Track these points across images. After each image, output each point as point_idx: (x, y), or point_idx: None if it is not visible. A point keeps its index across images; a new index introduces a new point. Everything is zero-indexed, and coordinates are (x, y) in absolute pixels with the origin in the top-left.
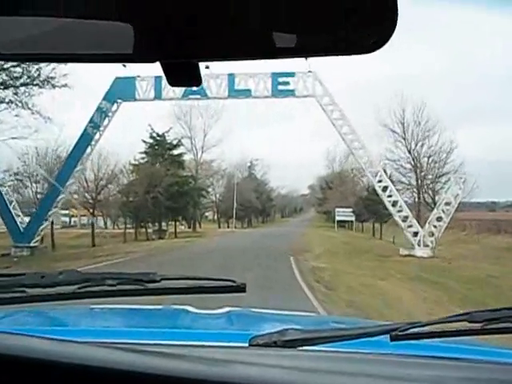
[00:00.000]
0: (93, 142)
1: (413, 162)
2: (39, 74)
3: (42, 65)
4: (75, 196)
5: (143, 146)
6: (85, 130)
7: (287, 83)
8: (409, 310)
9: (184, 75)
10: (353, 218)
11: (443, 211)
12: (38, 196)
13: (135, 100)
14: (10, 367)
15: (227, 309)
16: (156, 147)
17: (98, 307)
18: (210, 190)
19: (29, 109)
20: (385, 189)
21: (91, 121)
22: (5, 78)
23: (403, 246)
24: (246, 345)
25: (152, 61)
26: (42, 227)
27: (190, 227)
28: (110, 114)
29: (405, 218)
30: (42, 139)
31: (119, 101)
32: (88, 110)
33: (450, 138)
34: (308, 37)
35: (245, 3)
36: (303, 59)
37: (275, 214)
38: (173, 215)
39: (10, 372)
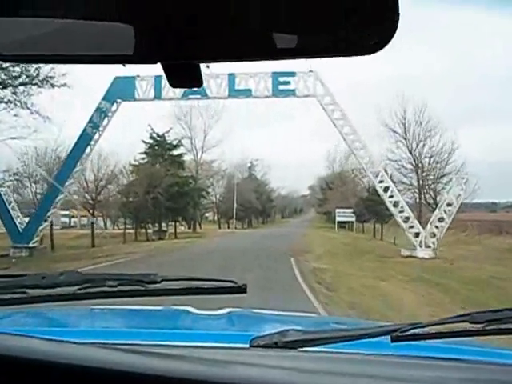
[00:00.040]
0: (92, 142)
1: (414, 163)
2: (38, 74)
3: (41, 64)
4: (75, 196)
5: (143, 147)
6: (84, 129)
7: (288, 83)
8: (411, 311)
9: (185, 76)
10: (353, 219)
11: (445, 212)
12: (38, 196)
13: (135, 100)
14: (10, 368)
15: (228, 310)
16: (156, 147)
17: (99, 308)
18: (210, 190)
19: (28, 108)
20: (386, 189)
21: (90, 121)
22: (3, 77)
23: (404, 246)
24: (247, 346)
25: (153, 62)
26: (41, 228)
27: (190, 228)
28: (109, 114)
29: (406, 219)
30: (41, 139)
31: (119, 100)
32: (87, 110)
33: (452, 139)
34: (309, 37)
35: (245, 4)
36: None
37: (275, 215)
38: (173, 216)
39: (9, 373)
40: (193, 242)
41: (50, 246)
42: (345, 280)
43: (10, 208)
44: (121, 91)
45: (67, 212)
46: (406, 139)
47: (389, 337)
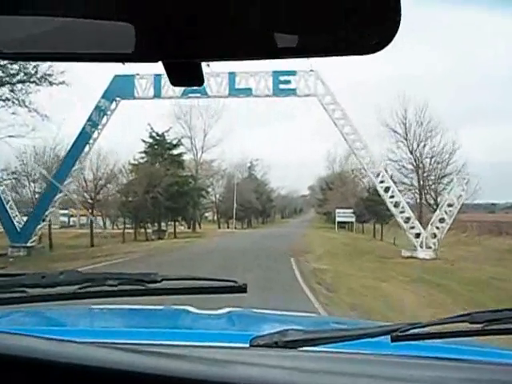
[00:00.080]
0: (91, 141)
1: (415, 163)
2: (36, 71)
3: (40, 62)
4: (74, 196)
5: (143, 146)
6: (83, 128)
7: (288, 82)
8: (413, 313)
9: (186, 75)
10: (353, 219)
11: (446, 212)
12: (36, 195)
13: (134, 98)
14: (10, 367)
15: (228, 309)
16: (156, 147)
17: (99, 307)
18: (209, 190)
19: (26, 106)
20: (387, 189)
21: (89, 119)
22: (1, 74)
23: (405, 247)
24: (247, 345)
25: (154, 60)
26: (39, 227)
27: (189, 227)
28: (108, 113)
29: (407, 220)
30: (39, 137)
31: (118, 99)
32: (86, 108)
33: (453, 139)
34: (310, 37)
35: (246, 3)
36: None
37: (275, 215)
38: (172, 215)
39: (9, 372)
40: (192, 242)
41: (48, 246)
42: (345, 281)
43: (7, 207)
44: (120, 89)
45: (66, 211)
46: (406, 139)
47: (389, 337)
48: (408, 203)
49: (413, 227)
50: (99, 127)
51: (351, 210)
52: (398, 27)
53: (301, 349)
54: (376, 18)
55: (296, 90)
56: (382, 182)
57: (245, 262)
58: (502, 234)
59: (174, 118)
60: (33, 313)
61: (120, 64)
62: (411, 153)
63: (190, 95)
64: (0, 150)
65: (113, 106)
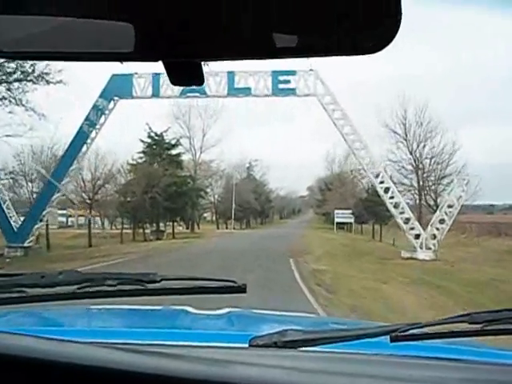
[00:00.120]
0: (89, 141)
1: (414, 164)
2: (33, 70)
3: (39, 61)
4: (72, 196)
5: (141, 146)
6: (80, 127)
7: (288, 82)
8: (414, 315)
9: (186, 74)
10: (352, 220)
11: (446, 213)
12: (34, 195)
13: (132, 98)
14: (10, 367)
15: (227, 309)
16: (154, 147)
17: (98, 307)
18: (208, 190)
19: (23, 105)
20: (387, 190)
21: (87, 119)
22: None
23: (404, 248)
24: (246, 345)
25: (154, 60)
26: (36, 227)
27: (188, 228)
28: (106, 112)
29: (407, 220)
30: (37, 137)
31: (116, 98)
32: (84, 108)
33: (453, 140)
34: (310, 36)
35: (247, 2)
36: None
37: (274, 216)
38: (171, 216)
39: (9, 372)
40: (191, 243)
41: (45, 246)
42: (345, 282)
43: (4, 207)
44: (118, 89)
45: (65, 211)
46: (406, 140)
47: (388, 337)
48: (407, 204)
49: (412, 228)
50: (97, 127)
51: (350, 211)
52: (398, 27)
53: (300, 349)
54: (376, 18)
55: (295, 89)
56: (381, 182)
57: (244, 262)
58: (501, 235)
59: (173, 118)
60: (32, 313)
61: (118, 63)
62: (411, 153)
63: (189, 94)
64: None
65: (111, 105)
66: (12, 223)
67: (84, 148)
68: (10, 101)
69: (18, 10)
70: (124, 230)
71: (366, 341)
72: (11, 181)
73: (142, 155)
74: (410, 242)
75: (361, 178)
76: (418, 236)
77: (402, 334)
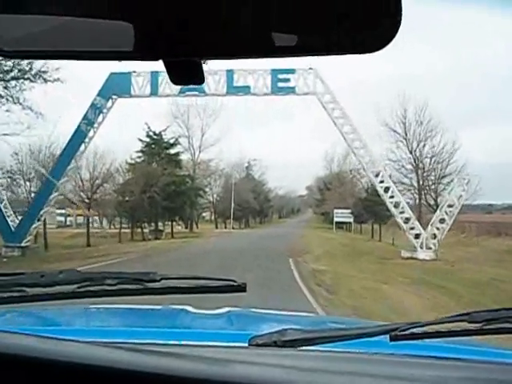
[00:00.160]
0: (87, 140)
1: (414, 163)
2: (31, 68)
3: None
4: (70, 195)
5: (140, 145)
6: (78, 126)
7: (287, 80)
8: (417, 316)
9: (186, 73)
10: (351, 220)
11: (446, 213)
12: (32, 195)
13: (131, 96)
14: (10, 366)
15: (227, 309)
16: (153, 146)
17: (98, 307)
18: (207, 190)
19: (20, 104)
20: (387, 189)
21: (85, 117)
22: None
23: (404, 248)
24: (246, 345)
25: (154, 59)
26: (33, 226)
27: (186, 227)
28: (104, 111)
29: (407, 220)
30: (34, 136)
31: (114, 97)
32: (82, 106)
33: (453, 139)
34: (311, 35)
35: (247, 1)
36: None
37: (273, 215)
38: (169, 215)
39: (9, 370)
40: (189, 242)
41: (43, 246)
42: (345, 282)
43: (1, 206)
44: (116, 87)
45: (63, 211)
46: (406, 139)
47: (387, 336)
48: (407, 203)
49: (413, 228)
50: (95, 125)
51: (349, 211)
52: (398, 26)
53: (299, 348)
54: (377, 17)
55: (295, 88)
56: (381, 181)
57: (243, 262)
58: (501, 234)
59: (172, 117)
60: (32, 312)
61: (116, 61)
62: (411, 152)
63: (188, 93)
64: None
65: (109, 103)
66: (9, 223)
67: (82, 147)
68: (7, 99)
69: (19, 9)
70: (122, 230)
71: (365, 340)
72: (9, 180)
73: (140, 154)
74: (410, 242)
75: (360, 177)
76: (418, 236)
77: (402, 333)
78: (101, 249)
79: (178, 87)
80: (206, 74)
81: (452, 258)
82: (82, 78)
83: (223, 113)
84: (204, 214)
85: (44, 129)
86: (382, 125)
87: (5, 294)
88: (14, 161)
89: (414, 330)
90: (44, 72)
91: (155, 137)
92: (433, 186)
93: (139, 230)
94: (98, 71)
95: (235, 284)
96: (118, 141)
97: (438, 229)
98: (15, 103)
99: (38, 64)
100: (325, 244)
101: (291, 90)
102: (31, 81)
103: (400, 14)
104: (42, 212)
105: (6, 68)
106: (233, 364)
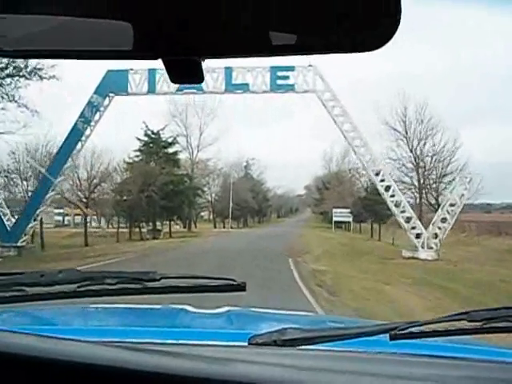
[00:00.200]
0: (83, 138)
1: (415, 162)
2: (26, 65)
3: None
4: (67, 194)
5: (137, 144)
6: (75, 124)
7: (286, 77)
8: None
9: (186, 72)
10: (350, 219)
11: (448, 212)
12: (29, 194)
13: (128, 94)
14: (10, 365)
15: (226, 308)
16: (151, 145)
17: (98, 306)
18: (205, 189)
19: (15, 102)
20: (387, 188)
21: (82, 115)
22: None
23: (404, 247)
24: (246, 344)
25: (153, 58)
26: (30, 226)
27: (185, 227)
28: (101, 109)
29: (408, 219)
30: (31, 134)
31: (111, 95)
32: (78, 104)
33: (454, 137)
34: (310, 34)
35: (247, 0)
36: None
37: (271, 214)
38: (168, 215)
39: (9, 370)
40: (188, 242)
41: (39, 245)
42: (346, 283)
43: None
44: (113, 85)
45: (61, 210)
46: (406, 137)
47: (387, 335)
48: (408, 202)
49: (414, 227)
50: (92, 124)
51: (348, 210)
52: (398, 25)
53: (299, 347)
54: (376, 16)
55: (294, 85)
56: (382, 180)
57: (242, 262)
58: (502, 234)
59: (170, 116)
60: (32, 311)
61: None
62: (411, 151)
63: (186, 91)
64: None
65: (106, 101)
66: (5, 222)
67: (79, 145)
68: (2, 97)
69: (19, 9)
70: (120, 229)
71: (365, 339)
72: (5, 179)
73: (138, 153)
74: (410, 241)
75: (359, 176)
76: (419, 235)
77: (401, 332)
78: (98, 248)
79: (176, 85)
80: (204, 72)
81: (454, 257)
82: (79, 75)
83: (221, 111)
84: (202, 214)
85: (40, 127)
86: (383, 123)
87: (5, 294)
88: (11, 160)
89: (414, 329)
90: (39, 69)
91: (153, 136)
92: (434, 185)
93: (137, 229)
94: (95, 69)
95: (235, 283)
96: (116, 139)
97: (439, 228)
98: (10, 101)
99: (34, 61)
100: (324, 244)
101: (290, 88)
102: (26, 78)
103: (399, 14)
104: (38, 211)
105: (0, 65)
106: (233, 363)
